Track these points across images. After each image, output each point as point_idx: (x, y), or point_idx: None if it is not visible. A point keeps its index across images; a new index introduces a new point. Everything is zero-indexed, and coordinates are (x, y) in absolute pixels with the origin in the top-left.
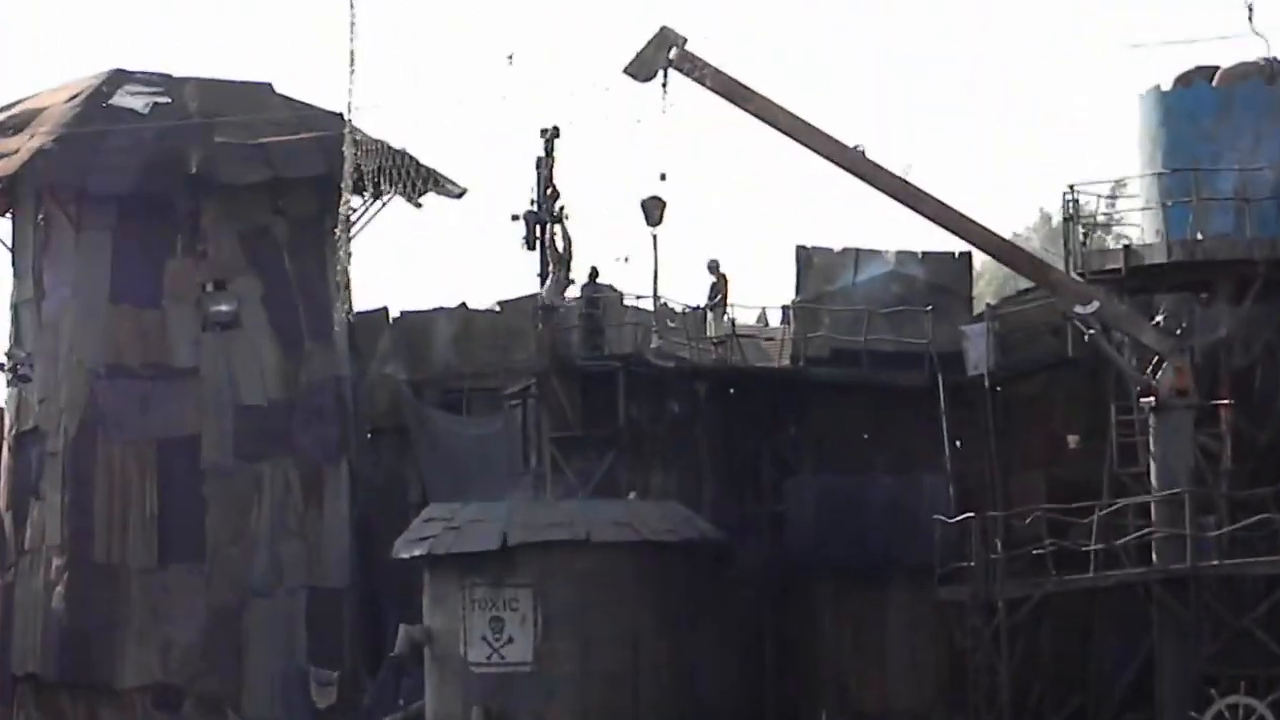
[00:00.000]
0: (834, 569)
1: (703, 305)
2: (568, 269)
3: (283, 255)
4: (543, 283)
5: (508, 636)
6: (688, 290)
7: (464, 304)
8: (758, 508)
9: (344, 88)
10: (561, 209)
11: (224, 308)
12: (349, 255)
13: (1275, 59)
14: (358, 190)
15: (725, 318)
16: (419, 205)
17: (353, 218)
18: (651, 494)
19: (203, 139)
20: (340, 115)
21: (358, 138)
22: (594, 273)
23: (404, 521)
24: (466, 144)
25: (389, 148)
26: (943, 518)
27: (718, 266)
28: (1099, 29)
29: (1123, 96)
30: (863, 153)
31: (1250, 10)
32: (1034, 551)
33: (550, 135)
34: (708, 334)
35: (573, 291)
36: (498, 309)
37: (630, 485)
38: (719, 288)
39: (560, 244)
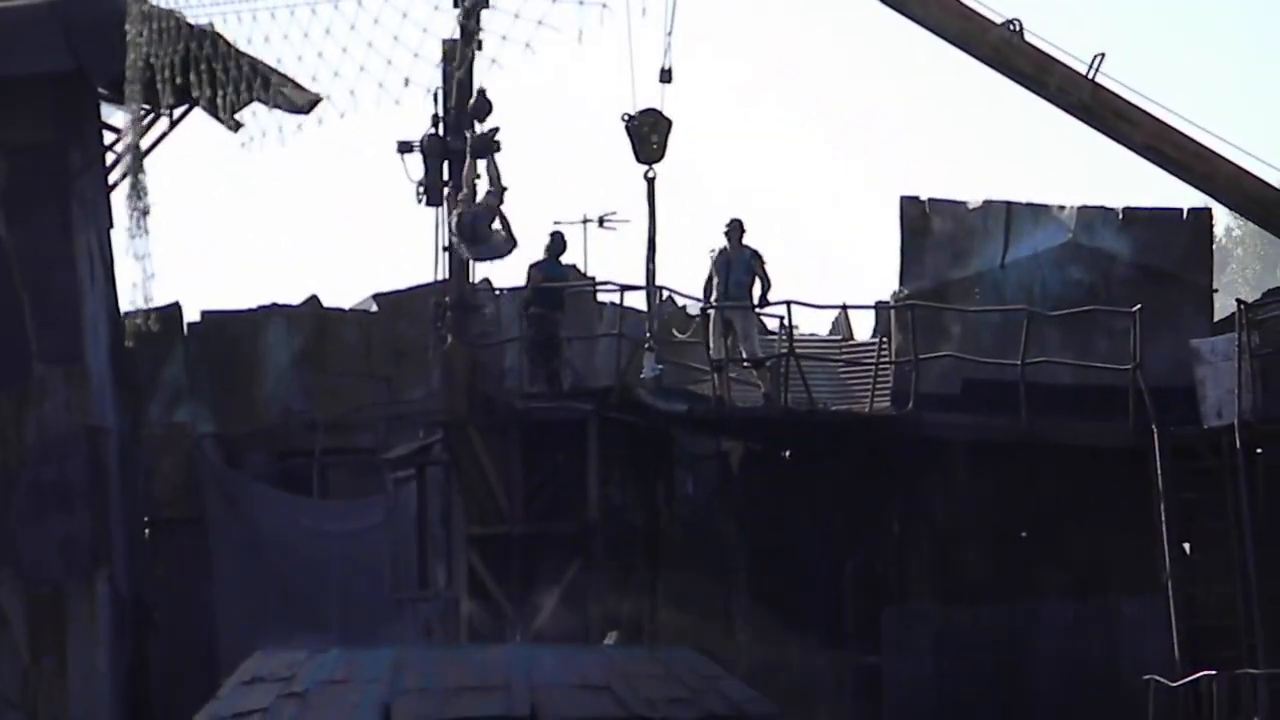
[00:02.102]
0: None
1: (710, 300)
2: (509, 237)
3: None
4: (452, 263)
5: None
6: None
7: (314, 299)
8: (835, 659)
9: None
10: (492, 134)
11: None
12: (144, 211)
13: None
14: (113, 96)
15: (755, 325)
16: (236, 126)
17: (118, 147)
18: (648, 635)
19: None
20: None
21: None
22: (557, 243)
23: (208, 682)
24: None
25: (183, 25)
26: (1159, 679)
27: (740, 230)
28: None
29: None
30: (1018, 33)
31: None
32: None
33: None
34: (717, 355)
35: (507, 276)
36: (373, 308)
37: (610, 620)
38: (743, 263)
39: (483, 192)
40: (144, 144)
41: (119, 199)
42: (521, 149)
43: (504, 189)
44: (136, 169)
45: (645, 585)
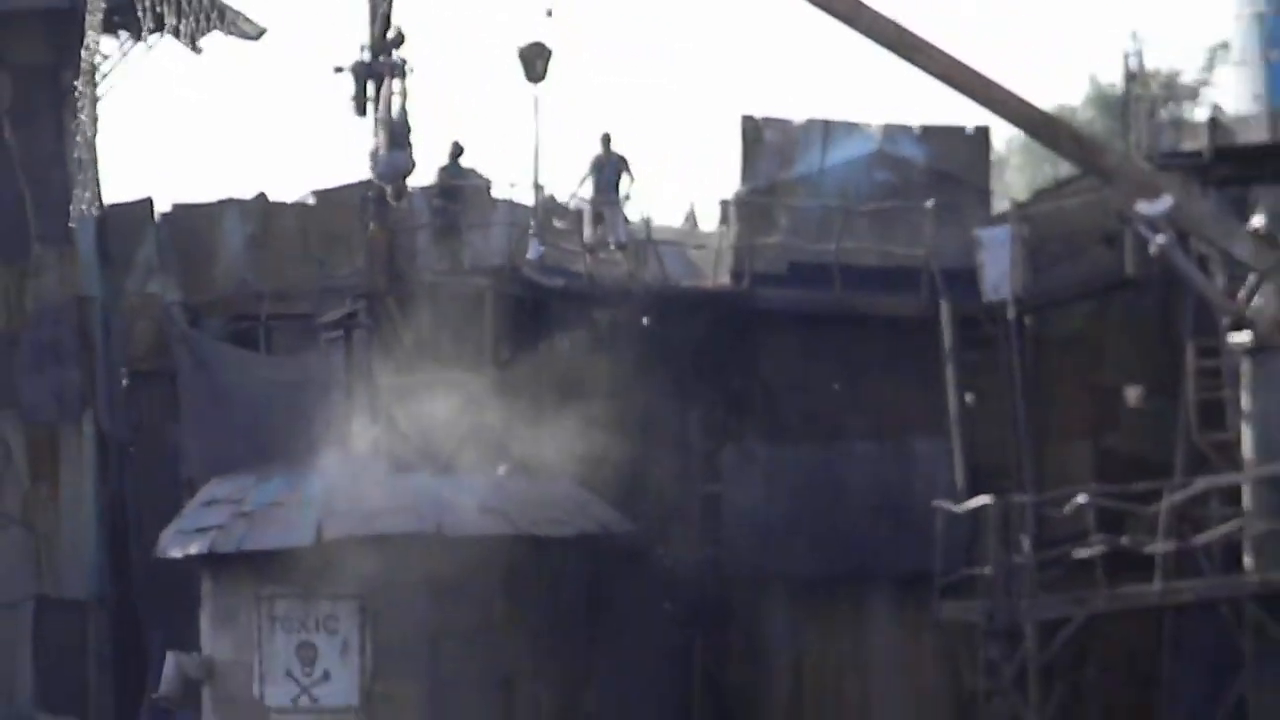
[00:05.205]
0: (789, 577)
1: (588, 198)
2: (406, 144)
3: (1, 123)
4: (374, 164)
5: (322, 672)
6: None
7: (263, 194)
8: (683, 489)
9: None
10: (404, 62)
11: None
12: (96, 121)
13: None
14: (111, 28)
15: (624, 217)
16: (198, 50)
17: (104, 68)
18: (533, 468)
19: None
20: None
21: None
22: (456, 150)
23: (174, 504)
24: None
25: None
26: (946, 504)
27: (608, 141)
28: None
29: None
30: None
31: None
32: (1076, 554)
33: None
34: (591, 240)
35: (418, 176)
36: (311, 201)
37: (501, 454)
38: (613, 166)
39: (395, 109)
40: (124, 67)
41: (88, 114)
42: (433, 72)
43: (407, 114)
44: (91, 102)
45: (530, 426)
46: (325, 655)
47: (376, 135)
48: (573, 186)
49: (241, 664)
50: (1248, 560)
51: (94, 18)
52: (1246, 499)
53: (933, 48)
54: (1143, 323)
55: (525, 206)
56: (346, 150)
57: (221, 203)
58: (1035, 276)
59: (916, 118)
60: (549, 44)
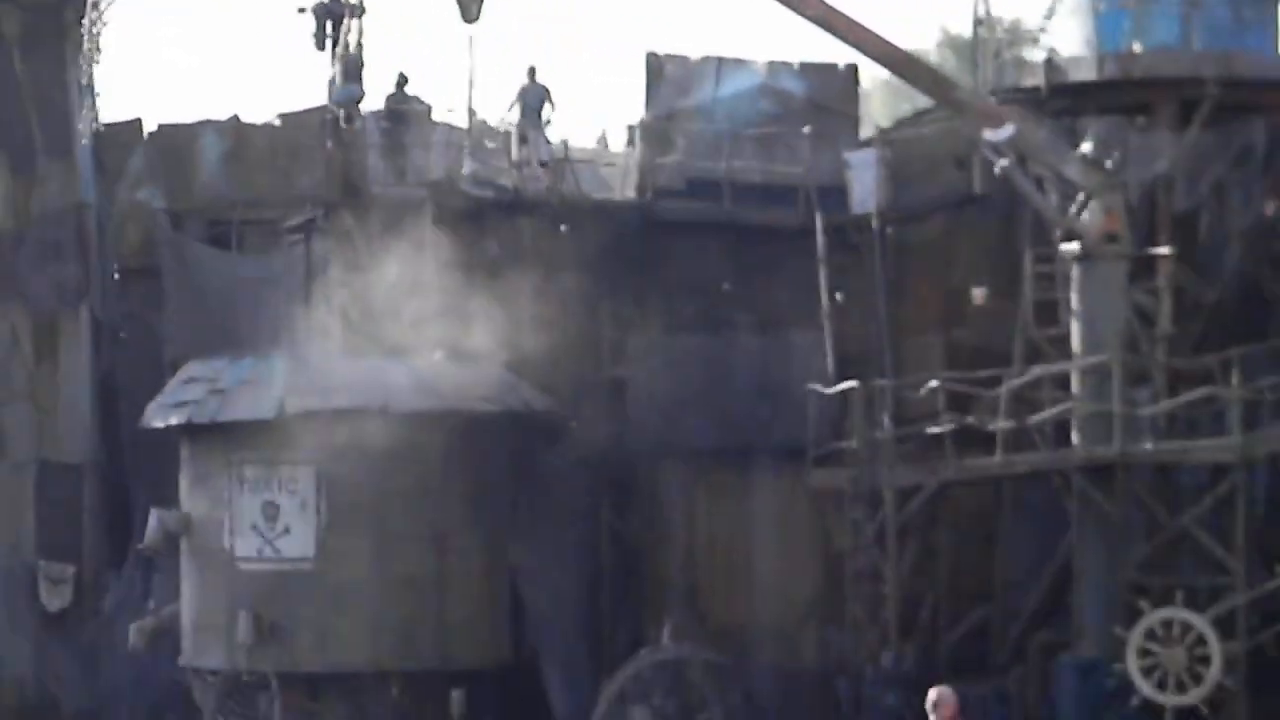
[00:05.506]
0: (684, 449)
1: (515, 122)
2: (359, 77)
3: (12, 54)
4: (331, 92)
5: (284, 526)
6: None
7: (236, 116)
8: (594, 373)
9: None
10: (360, 3)
11: None
12: (94, 52)
13: None
14: None
15: (545, 139)
16: None
17: (101, 4)
18: (465, 353)
19: None
20: None
21: None
22: (401, 80)
23: (158, 382)
24: None
25: None
26: (818, 387)
27: (534, 72)
28: None
29: None
30: None
31: None
32: (929, 430)
33: None
34: (517, 158)
35: (369, 102)
36: (277, 123)
37: (439, 342)
38: (536, 95)
39: (351, 45)
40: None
41: (87, 45)
42: (383, 11)
43: (361, 49)
44: (90, 33)
45: (461, 314)
46: (286, 513)
47: (334, 68)
48: (502, 112)
49: (214, 520)
50: (1075, 437)
51: None
52: (1074, 385)
53: None
54: (988, 233)
55: (461, 129)
56: (308, 79)
57: (201, 123)
58: (896, 193)
59: (796, 56)
60: None
